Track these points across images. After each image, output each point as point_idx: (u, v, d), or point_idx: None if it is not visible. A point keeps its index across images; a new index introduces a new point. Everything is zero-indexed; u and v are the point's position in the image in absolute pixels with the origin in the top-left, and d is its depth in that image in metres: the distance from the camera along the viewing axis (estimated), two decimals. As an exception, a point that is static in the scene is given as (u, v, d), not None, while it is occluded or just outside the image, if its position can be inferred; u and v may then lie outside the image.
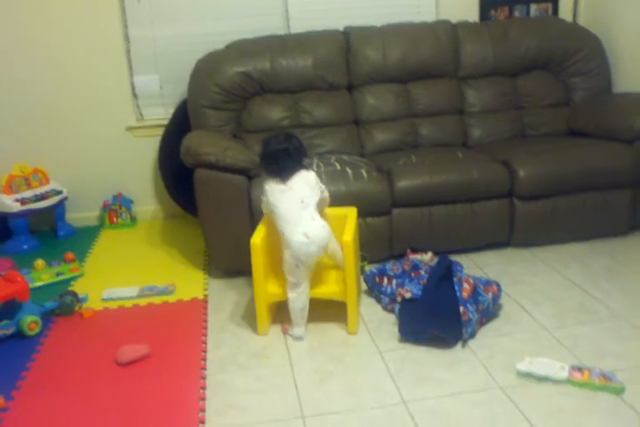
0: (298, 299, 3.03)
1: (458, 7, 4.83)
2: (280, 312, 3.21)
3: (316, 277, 3.14)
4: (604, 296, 3.26)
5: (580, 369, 2.58)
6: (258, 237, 3.02)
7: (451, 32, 4.51)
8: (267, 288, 3.09)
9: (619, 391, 2.47)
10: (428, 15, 4.82)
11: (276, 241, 3.14)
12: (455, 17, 4.66)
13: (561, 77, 4.55)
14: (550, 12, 4.94)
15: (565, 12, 4.94)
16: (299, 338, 3.06)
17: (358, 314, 3.11)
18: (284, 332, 3.12)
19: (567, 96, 4.54)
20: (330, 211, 3.23)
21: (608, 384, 2.49)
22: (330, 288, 3.12)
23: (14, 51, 4.51)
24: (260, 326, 3.11)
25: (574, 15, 4.94)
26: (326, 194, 3.18)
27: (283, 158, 3.04)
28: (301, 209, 2.98)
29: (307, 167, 3.15)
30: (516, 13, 4.92)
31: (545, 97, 4.50)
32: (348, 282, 3.02)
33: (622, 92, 4.48)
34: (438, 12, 4.85)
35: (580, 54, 4.50)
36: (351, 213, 3.27)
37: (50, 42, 4.53)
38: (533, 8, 4.94)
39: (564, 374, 2.57)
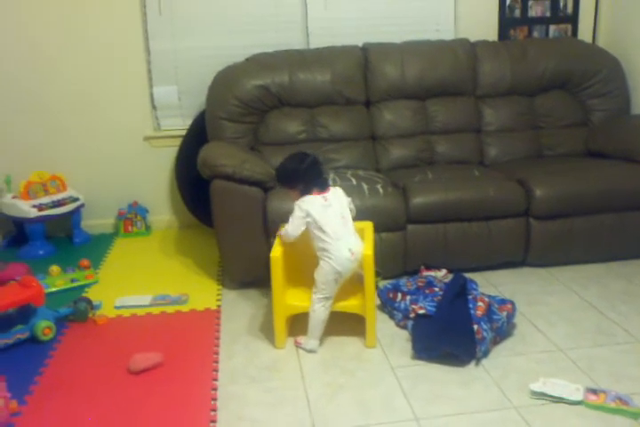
0: (323, 312, 3.03)
1: (477, 26, 4.84)
2: (292, 326, 3.21)
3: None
4: (621, 319, 3.24)
5: (595, 391, 2.57)
6: (278, 251, 3.03)
7: (469, 50, 4.53)
8: (285, 301, 3.08)
9: (635, 416, 2.45)
10: (446, 34, 4.84)
11: (295, 254, 3.16)
12: (474, 36, 4.67)
13: (579, 98, 4.55)
14: (570, 33, 4.96)
15: (585, 34, 4.95)
16: (312, 351, 3.05)
17: (376, 328, 3.10)
18: (297, 345, 3.11)
19: (585, 117, 4.54)
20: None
21: (624, 408, 2.47)
22: (349, 302, 3.11)
23: (37, 60, 4.55)
24: (278, 339, 3.10)
25: (594, 37, 4.95)
26: (352, 206, 3.19)
27: (322, 171, 3.12)
28: (343, 225, 3.02)
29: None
30: (535, 34, 4.94)
31: (563, 117, 4.51)
32: (368, 296, 3.01)
33: (640, 114, 4.49)
34: (457, 30, 4.87)
35: (599, 76, 4.51)
36: (368, 227, 3.27)
37: (72, 51, 4.57)
38: (552, 29, 4.96)
39: (579, 396, 2.55)
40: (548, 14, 4.92)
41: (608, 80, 4.52)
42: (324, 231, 2.97)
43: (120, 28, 4.59)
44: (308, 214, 2.98)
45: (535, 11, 4.91)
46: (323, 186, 3.07)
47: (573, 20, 4.95)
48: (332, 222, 2.99)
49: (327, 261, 2.98)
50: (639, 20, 4.53)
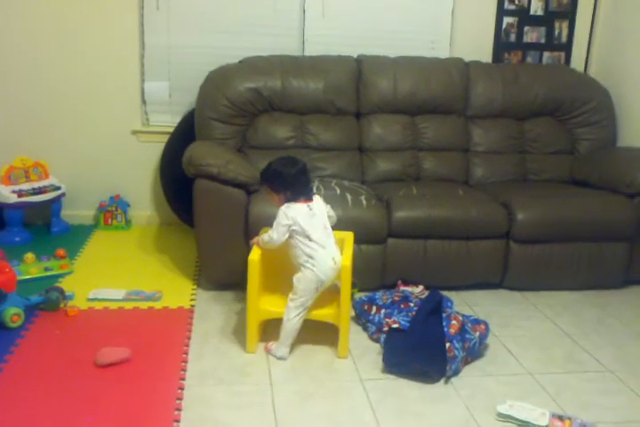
0: (298, 321, 3.01)
1: (472, 46, 4.89)
2: (264, 331, 3.19)
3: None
4: (592, 348, 3.25)
5: (561, 417, 2.57)
6: (256, 254, 3.01)
7: (463, 70, 4.56)
8: (259, 305, 3.07)
9: (598, 444, 2.47)
10: (441, 52, 4.88)
11: (273, 260, 3.15)
12: (468, 56, 4.71)
13: (567, 126, 4.60)
14: (563, 60, 5.02)
15: (577, 62, 5.01)
16: (282, 358, 3.03)
17: (349, 339, 3.09)
18: (267, 351, 3.09)
19: (572, 145, 4.58)
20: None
21: (588, 435, 2.49)
22: (324, 311, 3.10)
23: (30, 47, 4.53)
24: (250, 343, 3.08)
25: (586, 66, 5.02)
26: (332, 213, 3.19)
27: (310, 179, 3.12)
28: (327, 235, 3.03)
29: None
30: (529, 59, 4.99)
31: (550, 144, 4.54)
32: (343, 306, 3.01)
33: (627, 147, 4.54)
34: (452, 49, 4.90)
35: (588, 105, 4.56)
36: (348, 237, 3.27)
37: (66, 41, 4.56)
38: (546, 55, 5.01)
39: (545, 421, 2.55)
40: (542, 41, 4.98)
41: (597, 110, 4.57)
42: (310, 239, 2.97)
43: (116, 20, 4.57)
44: (295, 222, 2.96)
45: (530, 37, 4.96)
46: (309, 195, 3.06)
47: (567, 48, 5.01)
48: (317, 231, 2.99)
49: (311, 269, 2.97)
50: (630, 52, 4.60)
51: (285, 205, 3.01)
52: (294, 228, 2.97)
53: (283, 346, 3.04)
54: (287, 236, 2.99)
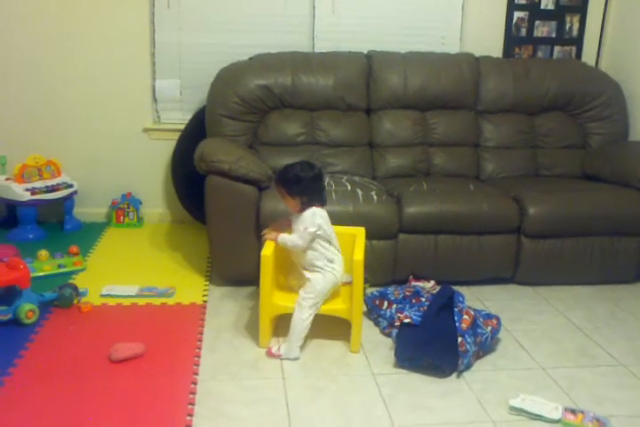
0: (311, 320, 3.02)
1: (482, 42, 4.87)
2: (277, 326, 3.21)
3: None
4: (604, 342, 3.24)
5: (573, 411, 2.57)
6: (269, 250, 3.02)
7: (473, 65, 4.55)
8: (273, 300, 3.08)
9: (612, 437, 2.47)
10: (452, 47, 4.86)
11: (285, 256, 3.17)
12: (479, 51, 4.70)
13: (579, 120, 4.58)
14: (574, 55, 5.00)
15: (588, 57, 4.99)
16: (296, 359, 3.00)
17: (361, 333, 3.10)
18: (274, 356, 3.01)
19: (583, 140, 4.56)
20: (339, 229, 3.21)
21: (601, 429, 2.49)
22: (337, 305, 3.12)
23: (41, 44, 4.56)
24: (262, 338, 3.09)
25: (597, 60, 5.00)
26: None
27: (324, 186, 3.18)
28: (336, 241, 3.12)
29: None
30: (540, 53, 4.98)
31: (562, 139, 4.53)
32: (355, 301, 3.02)
33: (639, 141, 4.51)
34: (462, 44, 4.89)
35: (599, 100, 4.54)
36: (360, 233, 3.28)
37: (78, 39, 4.59)
38: (557, 49, 4.99)
39: (557, 415, 2.56)
40: (553, 35, 4.96)
41: (608, 104, 4.55)
42: (331, 244, 3.05)
43: (127, 17, 4.59)
44: (320, 227, 3.01)
45: (541, 31, 4.95)
46: (324, 200, 3.11)
47: (578, 42, 4.99)
48: (334, 236, 3.08)
49: (332, 272, 3.04)
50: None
51: (311, 211, 3.02)
52: (319, 232, 3.01)
53: (294, 347, 3.01)
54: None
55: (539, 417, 2.57)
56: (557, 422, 2.54)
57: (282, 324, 3.18)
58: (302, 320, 3.00)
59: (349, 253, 3.07)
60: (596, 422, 2.51)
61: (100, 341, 3.05)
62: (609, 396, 2.76)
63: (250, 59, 4.43)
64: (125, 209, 4.81)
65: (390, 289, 3.45)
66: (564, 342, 3.24)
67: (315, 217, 3.00)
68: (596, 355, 3.12)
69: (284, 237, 3.07)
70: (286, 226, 3.17)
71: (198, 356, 2.98)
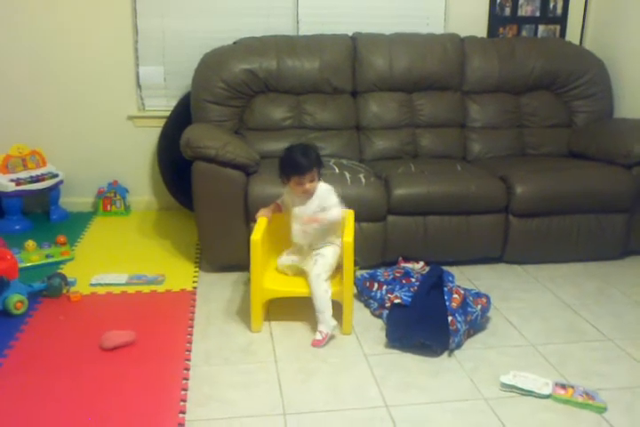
0: (330, 289, 3.04)
1: (466, 22, 4.86)
2: (268, 311, 3.22)
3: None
4: (593, 318, 3.27)
5: (563, 386, 2.60)
6: (258, 234, 3.01)
7: (458, 45, 4.54)
8: (263, 285, 3.08)
9: (600, 410, 2.48)
10: (436, 28, 4.84)
11: (274, 240, 3.19)
12: (463, 31, 4.68)
13: (564, 99, 4.58)
14: (558, 33, 4.99)
15: (573, 35, 4.98)
16: (336, 327, 3.04)
17: (352, 315, 3.11)
18: (320, 345, 2.98)
19: (569, 118, 4.57)
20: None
21: (590, 402, 2.51)
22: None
23: (23, 33, 4.50)
24: (254, 322, 3.10)
25: (581, 39, 4.98)
26: None
27: None
28: None
29: None
30: (524, 33, 4.96)
31: (547, 117, 4.53)
32: (346, 283, 3.03)
33: (623, 118, 4.52)
34: (447, 25, 4.88)
35: (584, 78, 4.54)
36: (349, 215, 3.27)
37: (59, 26, 4.53)
38: (541, 28, 4.98)
39: (548, 390, 2.58)
40: (537, 14, 4.95)
41: (593, 82, 4.55)
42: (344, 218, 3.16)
43: (108, 5, 4.54)
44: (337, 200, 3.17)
45: (525, 10, 4.93)
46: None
47: (562, 21, 4.98)
48: None
49: (339, 245, 3.10)
50: (626, 24, 4.57)
51: (322, 187, 3.13)
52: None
53: (328, 318, 3.01)
54: None
55: (530, 393, 2.59)
56: (548, 397, 2.56)
57: (273, 309, 3.20)
58: (325, 291, 3.02)
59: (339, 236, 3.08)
60: (586, 395, 2.54)
61: (91, 329, 3.04)
62: (597, 370, 2.79)
63: (234, 43, 4.41)
64: (112, 198, 4.79)
65: (380, 271, 3.46)
66: (553, 319, 3.27)
67: (330, 189, 3.14)
68: (585, 331, 3.15)
69: (329, 215, 3.10)
70: (276, 210, 3.18)
71: (190, 342, 2.99)
